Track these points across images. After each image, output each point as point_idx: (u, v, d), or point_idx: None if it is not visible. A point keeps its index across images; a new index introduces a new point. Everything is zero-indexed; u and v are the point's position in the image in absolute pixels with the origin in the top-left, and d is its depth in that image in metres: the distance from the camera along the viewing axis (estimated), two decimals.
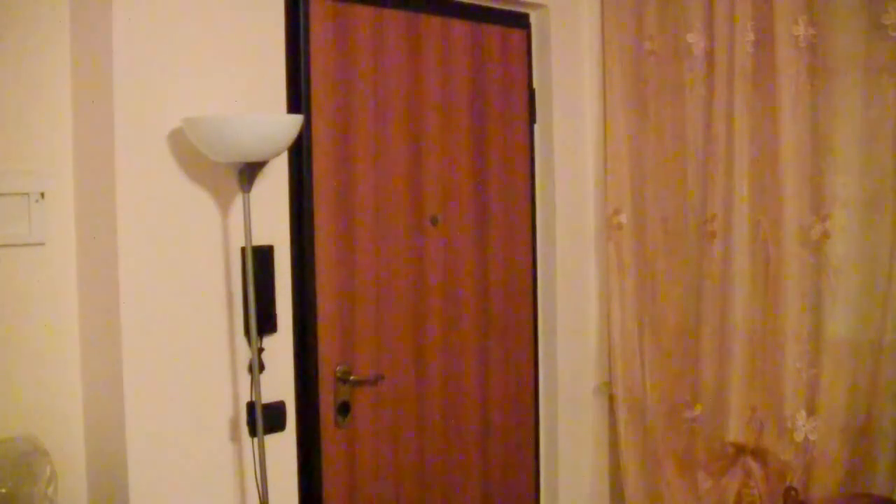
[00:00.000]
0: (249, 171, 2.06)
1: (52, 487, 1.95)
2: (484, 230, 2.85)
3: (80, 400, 2.16)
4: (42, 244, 2.11)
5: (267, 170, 2.21)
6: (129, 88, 2.03)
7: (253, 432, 2.21)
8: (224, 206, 2.20)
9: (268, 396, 2.25)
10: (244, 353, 2.24)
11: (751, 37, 2.76)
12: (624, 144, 3.07)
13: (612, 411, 3.15)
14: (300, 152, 2.36)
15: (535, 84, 3.02)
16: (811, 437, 2.68)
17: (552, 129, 3.00)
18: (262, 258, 2.25)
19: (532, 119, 3.01)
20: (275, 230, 2.30)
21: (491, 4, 2.87)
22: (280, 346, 2.31)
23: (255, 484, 2.20)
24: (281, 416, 2.30)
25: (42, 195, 2.10)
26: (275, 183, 2.30)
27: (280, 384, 2.31)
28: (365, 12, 2.52)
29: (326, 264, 2.44)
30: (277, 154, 2.08)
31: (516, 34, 2.95)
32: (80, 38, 2.12)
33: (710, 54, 2.86)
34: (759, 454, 2.79)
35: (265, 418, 2.16)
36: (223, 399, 2.21)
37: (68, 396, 2.15)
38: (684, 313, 2.98)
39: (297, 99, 2.36)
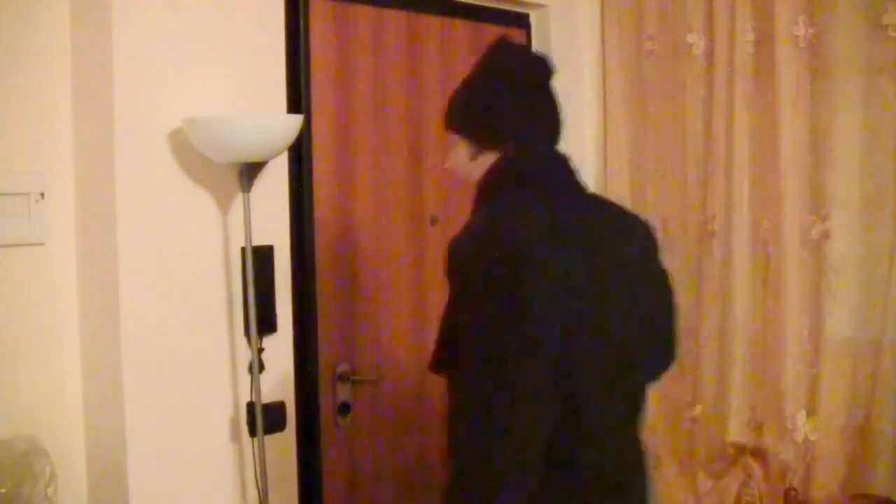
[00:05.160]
0: (249, 171, 2.06)
1: (52, 487, 1.95)
2: None
3: (80, 400, 2.16)
4: (42, 244, 2.11)
5: (267, 170, 2.21)
6: (129, 88, 2.03)
7: (253, 432, 2.21)
8: (224, 206, 2.20)
9: (268, 396, 2.25)
10: (244, 353, 2.24)
11: (751, 37, 2.76)
12: (624, 145, 3.07)
13: None
14: (300, 152, 2.36)
15: None
16: (811, 437, 2.68)
17: None
18: (262, 258, 2.25)
19: None
20: (275, 230, 2.30)
21: (491, 4, 2.86)
22: (280, 346, 2.31)
23: (255, 484, 2.20)
24: (281, 416, 2.30)
25: (42, 195, 2.10)
26: (275, 183, 2.30)
27: (280, 384, 2.31)
28: (365, 12, 2.52)
29: (326, 264, 2.44)
30: (277, 154, 2.08)
31: (516, 34, 2.94)
32: (80, 38, 2.12)
33: (710, 54, 2.86)
34: (759, 454, 2.78)
35: (265, 418, 2.16)
36: (223, 399, 2.21)
37: (68, 396, 2.14)
38: (684, 313, 2.97)
39: (297, 99, 2.36)
